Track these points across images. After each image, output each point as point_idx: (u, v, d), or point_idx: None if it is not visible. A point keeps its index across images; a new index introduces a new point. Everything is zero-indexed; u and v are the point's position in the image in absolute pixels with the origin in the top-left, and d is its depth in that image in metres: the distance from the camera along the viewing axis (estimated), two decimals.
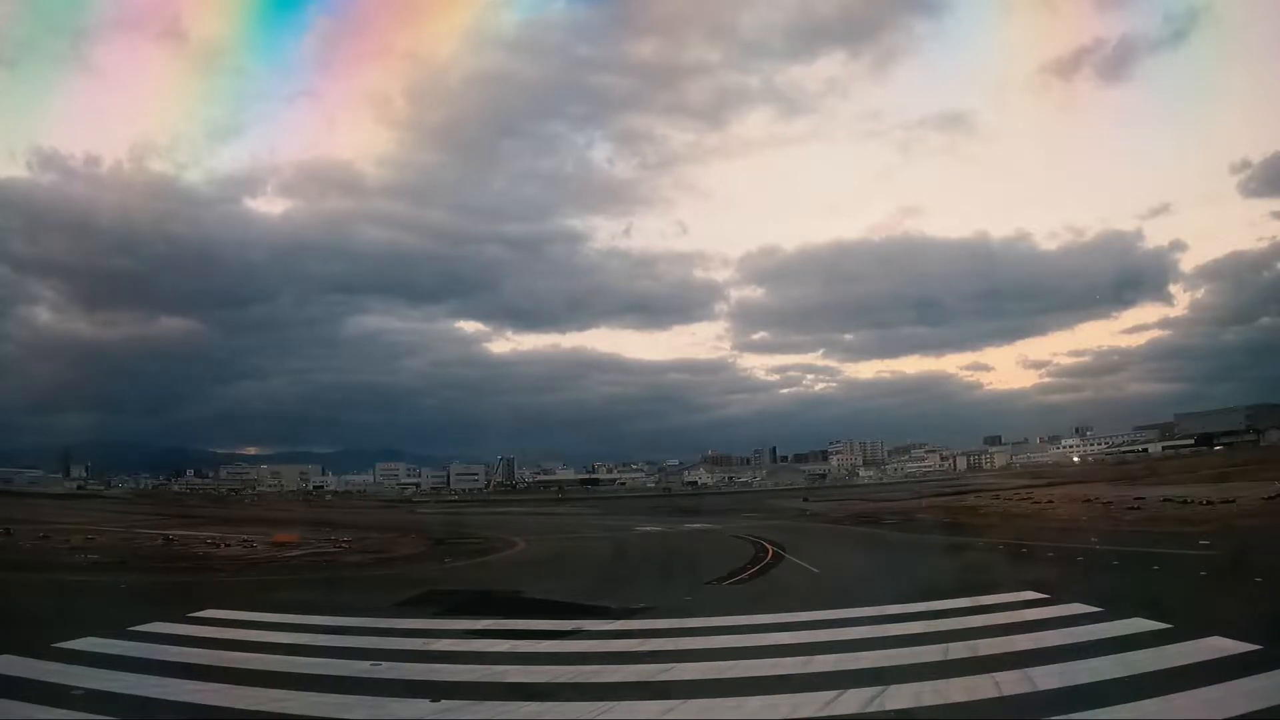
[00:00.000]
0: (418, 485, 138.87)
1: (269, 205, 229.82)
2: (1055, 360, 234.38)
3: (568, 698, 7.60)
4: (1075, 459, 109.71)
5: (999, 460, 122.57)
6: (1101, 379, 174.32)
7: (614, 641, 10.61)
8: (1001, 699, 7.13)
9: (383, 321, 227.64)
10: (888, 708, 7.02)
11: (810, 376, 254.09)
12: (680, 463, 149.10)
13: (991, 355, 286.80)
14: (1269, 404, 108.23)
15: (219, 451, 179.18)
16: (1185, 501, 31.30)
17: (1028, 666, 7.95)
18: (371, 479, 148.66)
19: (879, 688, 7.50)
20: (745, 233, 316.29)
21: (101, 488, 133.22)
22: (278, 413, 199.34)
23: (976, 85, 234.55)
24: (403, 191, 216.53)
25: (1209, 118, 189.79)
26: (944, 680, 7.74)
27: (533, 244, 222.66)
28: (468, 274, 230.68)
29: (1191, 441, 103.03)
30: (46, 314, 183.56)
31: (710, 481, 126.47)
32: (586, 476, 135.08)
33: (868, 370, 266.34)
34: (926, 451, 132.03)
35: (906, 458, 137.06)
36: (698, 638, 10.32)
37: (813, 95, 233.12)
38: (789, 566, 19.29)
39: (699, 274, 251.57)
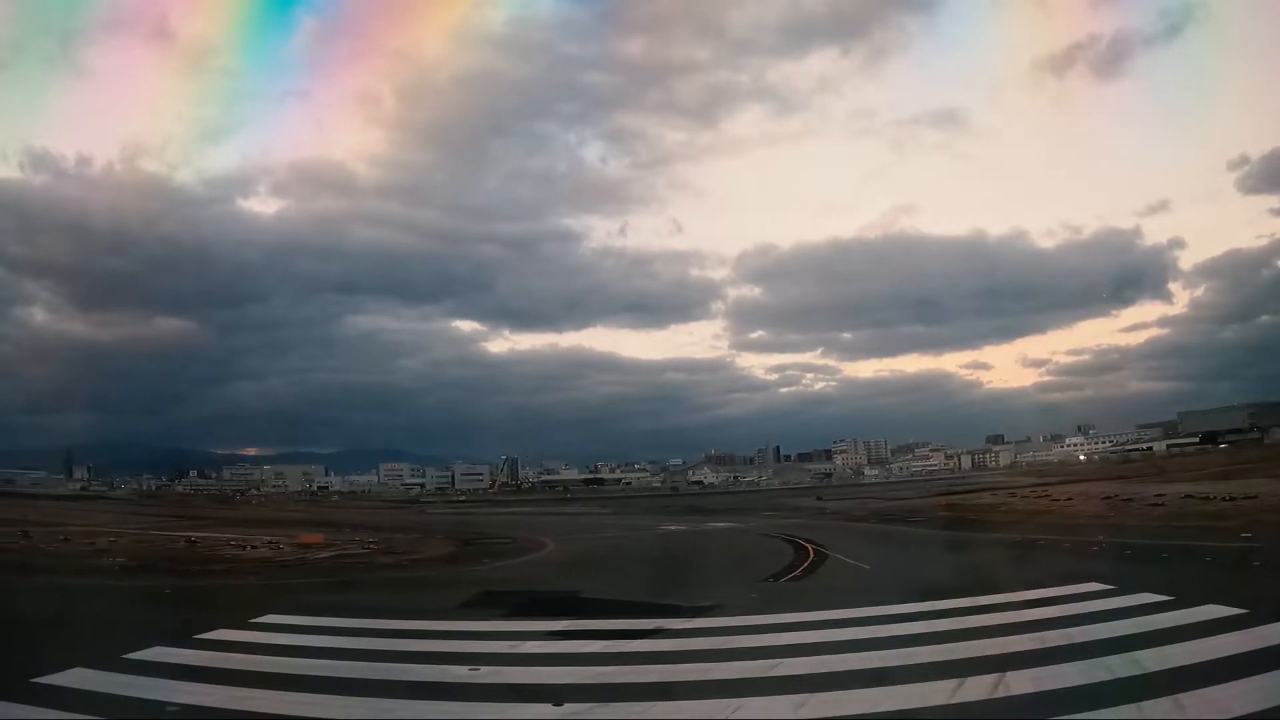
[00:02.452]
0: (422, 486, 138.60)
1: (262, 205, 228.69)
2: (1054, 359, 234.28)
3: (690, 695, 7.54)
4: (1081, 457, 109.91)
5: (1003, 459, 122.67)
6: (1101, 377, 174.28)
7: (705, 639, 10.50)
8: (1117, 680, 7.30)
9: (379, 321, 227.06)
10: (1013, 692, 7.15)
11: (809, 375, 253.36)
12: (683, 462, 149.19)
13: (990, 354, 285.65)
14: (1272, 402, 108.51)
15: (218, 452, 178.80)
16: (1207, 498, 31.51)
17: (1129, 651, 8.16)
18: (375, 479, 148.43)
19: (998, 674, 7.59)
20: (741, 231, 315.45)
21: (105, 489, 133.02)
22: (276, 413, 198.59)
23: (970, 82, 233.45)
24: (395, 191, 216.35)
25: (1206, 113, 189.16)
26: (1057, 665, 7.91)
27: (528, 243, 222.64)
28: (463, 274, 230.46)
29: (1196, 440, 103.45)
30: (42, 314, 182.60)
31: (715, 481, 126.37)
32: (591, 476, 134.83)
33: (866, 369, 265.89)
34: (931, 450, 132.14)
35: (910, 456, 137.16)
36: (791, 633, 10.21)
37: (805, 93, 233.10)
38: (836, 564, 19.28)
39: (695, 273, 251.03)
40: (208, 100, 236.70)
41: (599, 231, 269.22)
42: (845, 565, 19.07)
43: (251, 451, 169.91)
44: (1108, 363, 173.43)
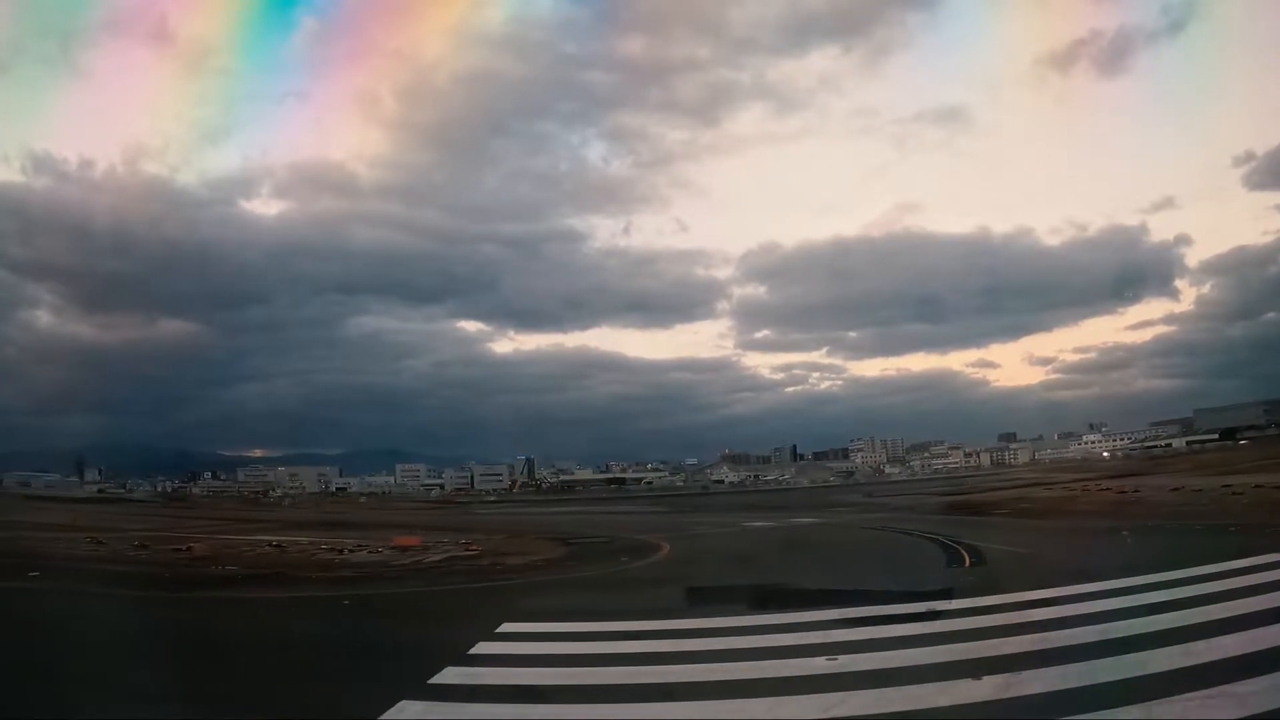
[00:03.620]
0: (441, 486, 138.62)
1: (264, 207, 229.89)
2: (1061, 357, 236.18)
3: (1070, 660, 7.87)
4: (1105, 454, 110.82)
5: (1022, 456, 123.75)
6: (1108, 375, 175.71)
7: (991, 617, 10.51)
8: None
9: (383, 322, 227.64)
10: None
11: (815, 375, 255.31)
12: (699, 461, 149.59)
13: (997, 352, 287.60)
14: None
15: (224, 454, 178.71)
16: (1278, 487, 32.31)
17: None
18: (392, 480, 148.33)
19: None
20: (745, 230, 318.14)
21: (122, 491, 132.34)
22: (280, 414, 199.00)
23: (972, 79, 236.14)
24: (396, 192, 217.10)
25: (1211, 109, 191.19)
26: None
27: (531, 243, 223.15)
28: (466, 274, 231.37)
29: (1215, 436, 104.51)
30: (46, 317, 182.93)
31: (736, 480, 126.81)
32: (612, 476, 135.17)
33: (873, 368, 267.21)
34: (950, 448, 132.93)
35: (926, 455, 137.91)
36: (1061, 606, 10.66)
37: (806, 91, 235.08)
38: (993, 551, 19.26)
39: (700, 272, 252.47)
40: (208, 102, 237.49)
41: (602, 231, 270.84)
42: (1003, 552, 19.33)
43: (257, 453, 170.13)
44: (1114, 360, 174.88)
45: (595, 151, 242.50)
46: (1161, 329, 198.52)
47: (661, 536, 29.86)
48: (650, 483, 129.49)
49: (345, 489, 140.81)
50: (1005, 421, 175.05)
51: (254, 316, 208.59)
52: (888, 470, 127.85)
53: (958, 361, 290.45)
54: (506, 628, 11.48)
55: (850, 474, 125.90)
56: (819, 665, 8.49)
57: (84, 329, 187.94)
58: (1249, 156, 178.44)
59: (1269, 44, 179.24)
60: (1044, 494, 45.67)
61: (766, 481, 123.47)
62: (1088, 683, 7.18)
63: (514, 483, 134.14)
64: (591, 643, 10.52)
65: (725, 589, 15.35)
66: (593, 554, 25.00)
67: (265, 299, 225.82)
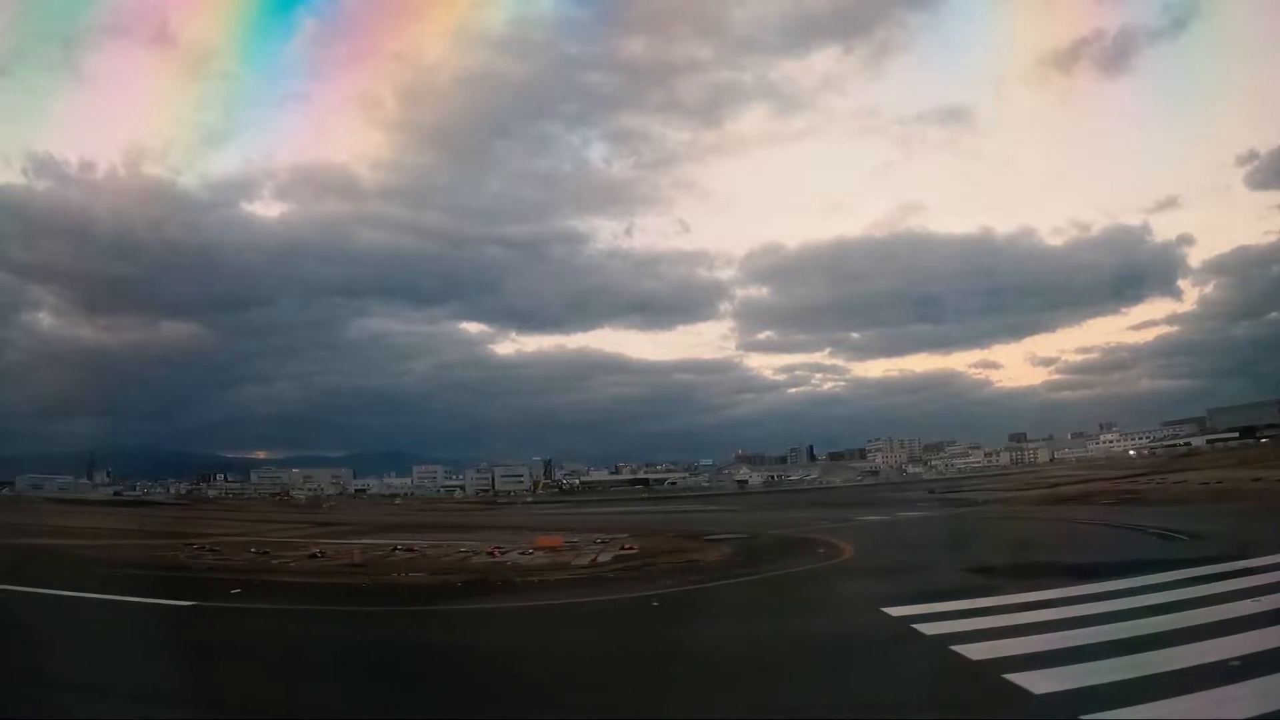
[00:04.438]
0: (462, 488, 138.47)
1: (266, 209, 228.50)
2: (1064, 357, 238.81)
3: None
4: (1131, 452, 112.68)
5: (1042, 455, 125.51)
6: (1110, 376, 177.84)
7: None
8: None
9: (385, 324, 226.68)
10: None
11: (818, 376, 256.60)
12: (713, 462, 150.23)
13: (1000, 352, 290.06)
14: None
15: (226, 455, 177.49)
16: None
17: None
18: (409, 481, 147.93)
19: None
20: (747, 231, 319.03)
21: (138, 494, 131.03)
22: (282, 417, 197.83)
23: (974, 79, 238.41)
24: (399, 194, 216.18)
25: (1213, 108, 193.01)
26: None
27: (533, 245, 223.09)
28: (469, 276, 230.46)
29: (1235, 434, 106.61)
30: (48, 319, 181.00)
31: (760, 480, 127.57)
32: (635, 477, 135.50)
33: (875, 369, 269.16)
34: (969, 448, 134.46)
35: (941, 454, 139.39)
36: None
37: (808, 91, 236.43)
38: (1187, 531, 20.23)
39: (702, 273, 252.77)
40: (210, 104, 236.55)
41: (605, 232, 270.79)
42: (1200, 530, 20.07)
43: (259, 455, 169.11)
44: (1117, 361, 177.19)
45: (597, 152, 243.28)
46: (1164, 329, 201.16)
47: (805, 532, 29.27)
48: (674, 483, 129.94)
49: (365, 490, 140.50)
50: (1009, 422, 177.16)
51: (255, 319, 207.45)
52: (910, 470, 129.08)
53: (960, 362, 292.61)
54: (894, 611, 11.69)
55: (875, 473, 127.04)
56: (1247, 607, 9.81)
57: (85, 331, 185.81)
58: (1252, 156, 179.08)
59: (1271, 43, 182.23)
60: (1129, 486, 46.69)
61: (792, 481, 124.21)
62: None
63: (536, 483, 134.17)
64: (1000, 616, 10.73)
65: (1013, 567, 15.90)
66: (766, 551, 24.39)
67: (267, 301, 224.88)
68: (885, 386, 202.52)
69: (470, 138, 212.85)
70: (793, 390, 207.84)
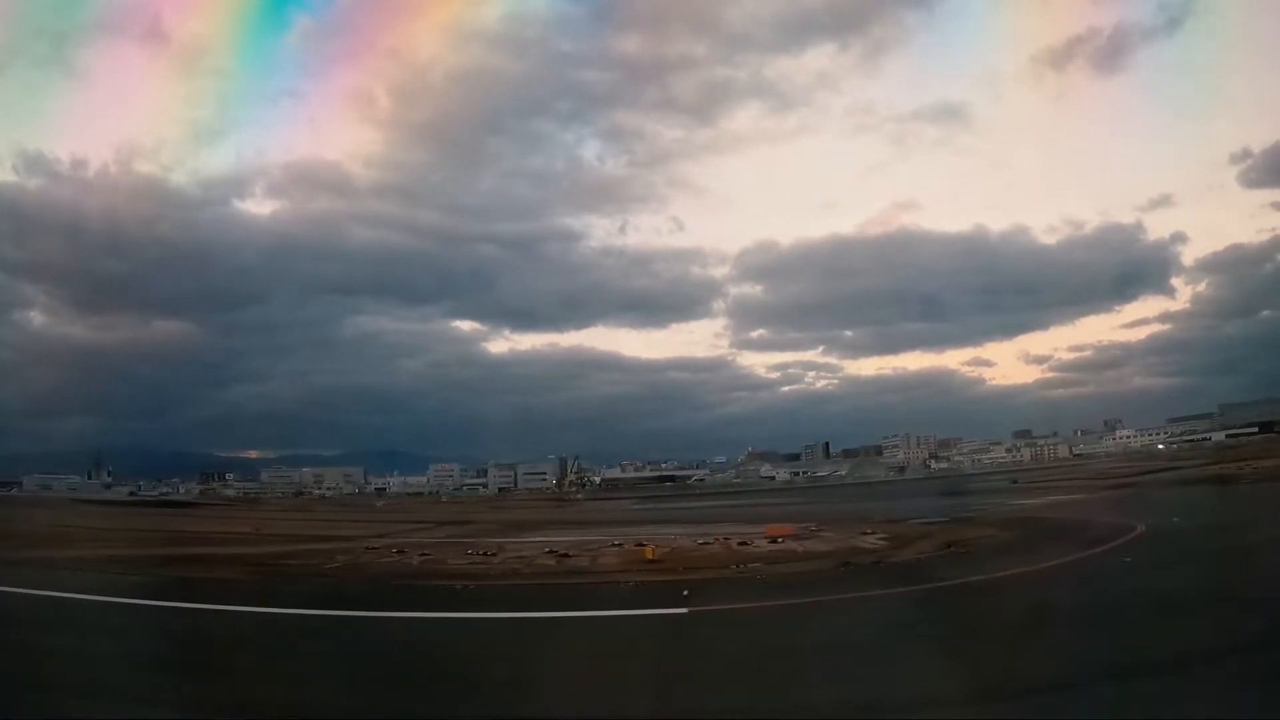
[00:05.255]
0: (485, 486, 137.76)
1: (258, 207, 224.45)
2: (1057, 355, 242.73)
3: None
4: (1160, 446, 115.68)
5: (1061, 451, 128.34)
6: (1103, 374, 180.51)
7: None
8: None
9: (379, 322, 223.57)
10: None
11: (811, 374, 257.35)
12: (727, 459, 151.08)
13: (993, 350, 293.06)
14: None
15: (220, 454, 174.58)
16: None
17: None
18: (428, 479, 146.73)
19: None
20: (741, 229, 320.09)
21: (157, 494, 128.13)
22: (276, 415, 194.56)
23: (969, 77, 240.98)
24: (392, 191, 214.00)
25: (1207, 107, 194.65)
26: None
27: (527, 243, 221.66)
28: (462, 274, 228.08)
29: (1254, 429, 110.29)
30: (40, 318, 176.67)
31: (785, 476, 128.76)
32: (662, 475, 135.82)
33: (869, 367, 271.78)
34: (990, 444, 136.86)
35: (959, 450, 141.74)
36: None
37: (803, 89, 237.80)
38: None
39: (696, 271, 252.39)
40: (202, 101, 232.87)
41: (599, 230, 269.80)
42: None
43: (253, 454, 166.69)
44: (1110, 359, 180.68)
45: (591, 150, 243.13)
46: (1157, 327, 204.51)
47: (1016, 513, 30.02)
48: (700, 479, 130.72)
49: (385, 489, 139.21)
50: (1003, 419, 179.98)
51: (249, 317, 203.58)
52: (934, 465, 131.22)
53: (954, 360, 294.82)
54: None
55: (902, 469, 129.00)
56: None
57: (77, 330, 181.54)
58: (1245, 154, 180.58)
59: (1266, 41, 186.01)
60: (1218, 471, 48.12)
61: (821, 477, 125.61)
62: None
63: (563, 480, 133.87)
64: None
65: None
66: (1056, 535, 25.27)
67: (260, 299, 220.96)
68: (878, 384, 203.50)
69: (464, 135, 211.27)
70: (786, 388, 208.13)
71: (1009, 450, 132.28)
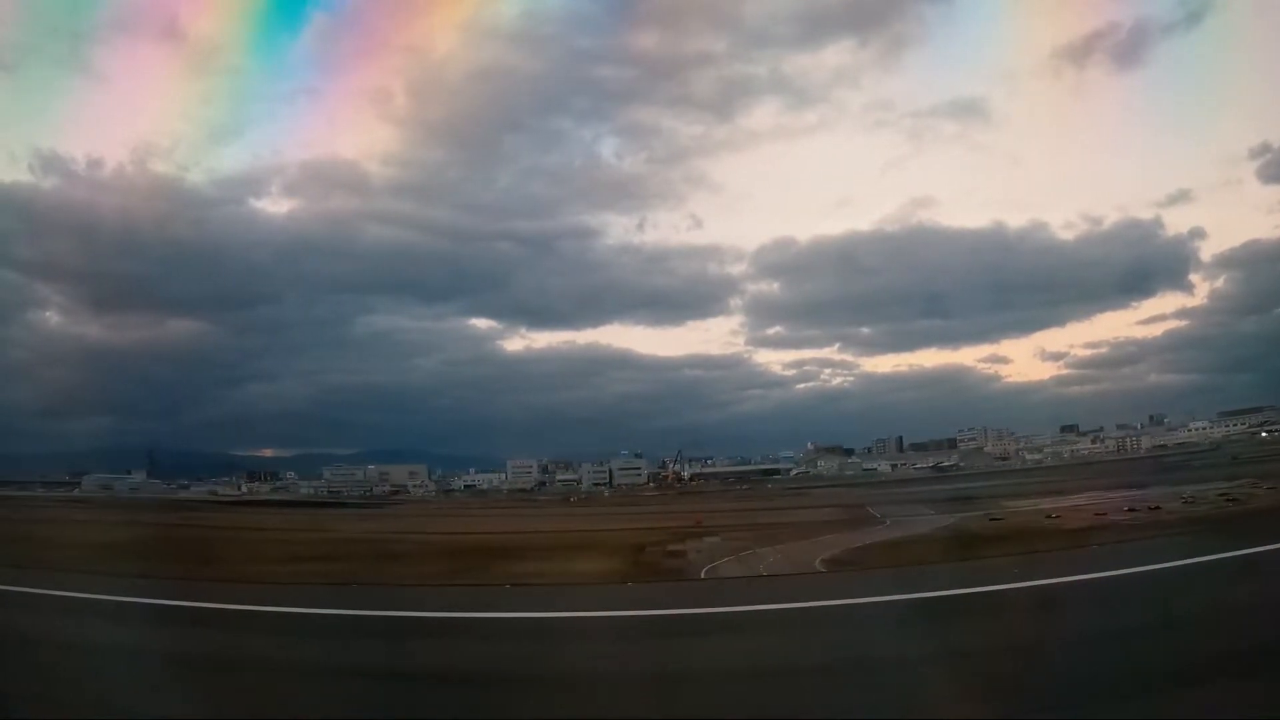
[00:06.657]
0: (578, 482, 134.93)
1: (274, 205, 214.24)
2: (1073, 352, 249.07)
3: None
4: (1263, 435, 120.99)
5: (1144, 442, 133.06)
6: (1119, 370, 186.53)
7: None
8: None
9: (393, 321, 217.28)
10: None
11: (827, 371, 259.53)
12: (794, 453, 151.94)
13: (1008, 347, 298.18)
14: None
15: (235, 454, 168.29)
16: None
17: None
18: (505, 476, 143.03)
19: None
20: (759, 226, 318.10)
21: (245, 494, 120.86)
22: (291, 414, 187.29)
23: (988, 72, 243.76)
24: (408, 189, 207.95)
25: (1227, 101, 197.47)
26: None
27: (543, 241, 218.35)
28: (479, 272, 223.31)
29: None
30: (55, 318, 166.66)
31: (886, 468, 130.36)
32: (762, 468, 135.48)
33: (885, 364, 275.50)
34: (1078, 435, 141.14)
35: (1021, 445, 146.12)
36: None
37: (821, 85, 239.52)
38: None
39: (713, 268, 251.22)
40: (218, 100, 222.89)
41: (616, 228, 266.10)
42: None
43: (268, 453, 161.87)
44: (1126, 355, 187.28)
45: (609, 147, 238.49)
46: (1174, 323, 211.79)
47: None
48: (790, 472, 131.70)
49: (474, 485, 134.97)
50: (1024, 416, 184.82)
51: (264, 315, 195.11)
52: (1027, 457, 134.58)
53: (969, 357, 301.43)
54: None
55: (1004, 459, 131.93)
56: None
57: (92, 330, 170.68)
58: (1265, 149, 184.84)
59: None
60: None
61: (947, 467, 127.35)
62: None
63: (668, 475, 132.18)
64: None
65: None
66: None
67: (275, 298, 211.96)
68: (893, 382, 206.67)
69: (480, 133, 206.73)
70: (800, 386, 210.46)
71: (1094, 440, 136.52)
